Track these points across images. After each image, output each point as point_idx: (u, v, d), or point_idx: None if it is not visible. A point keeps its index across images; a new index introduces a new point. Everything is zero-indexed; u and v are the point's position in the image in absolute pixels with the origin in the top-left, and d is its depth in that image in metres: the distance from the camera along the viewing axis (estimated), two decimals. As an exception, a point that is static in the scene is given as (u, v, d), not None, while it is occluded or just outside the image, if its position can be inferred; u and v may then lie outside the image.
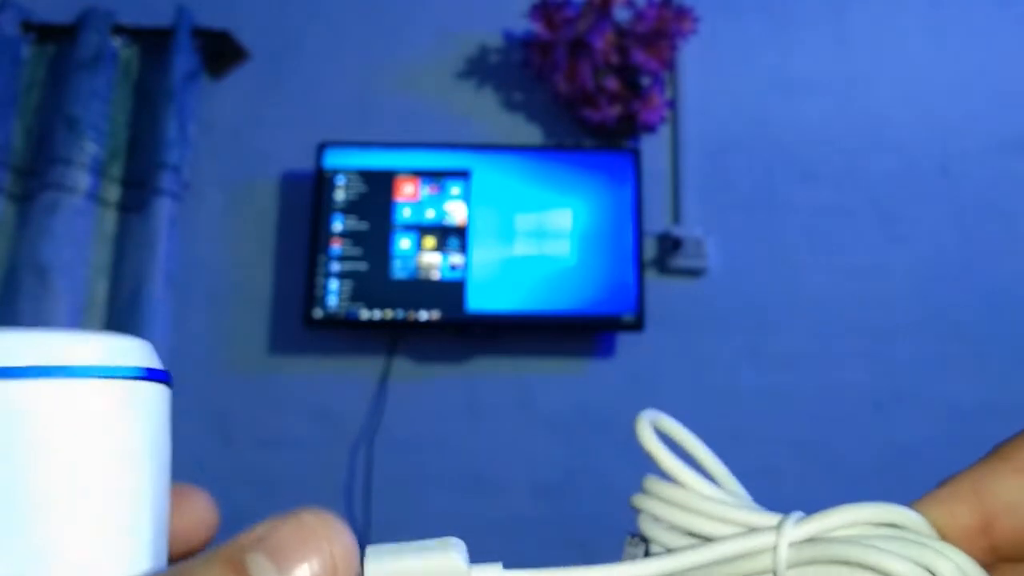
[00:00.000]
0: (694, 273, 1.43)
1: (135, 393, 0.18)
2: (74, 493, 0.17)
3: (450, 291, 1.34)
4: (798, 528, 0.21)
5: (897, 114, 1.52)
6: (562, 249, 1.36)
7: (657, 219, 1.44)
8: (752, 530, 0.22)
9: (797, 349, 1.41)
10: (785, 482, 1.31)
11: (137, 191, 1.40)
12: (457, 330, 1.38)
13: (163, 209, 1.36)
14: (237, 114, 1.51)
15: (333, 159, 1.38)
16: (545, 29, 1.41)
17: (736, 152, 1.49)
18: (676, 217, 1.46)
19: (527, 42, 1.46)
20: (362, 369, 1.40)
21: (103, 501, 0.17)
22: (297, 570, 0.18)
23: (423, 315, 1.33)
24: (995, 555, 0.21)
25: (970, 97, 1.53)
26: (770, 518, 0.22)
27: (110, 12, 1.44)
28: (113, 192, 1.41)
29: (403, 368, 1.40)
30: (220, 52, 1.49)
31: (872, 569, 0.20)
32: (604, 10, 1.40)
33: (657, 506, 0.23)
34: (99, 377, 0.18)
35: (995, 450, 0.21)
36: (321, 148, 1.39)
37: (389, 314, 1.34)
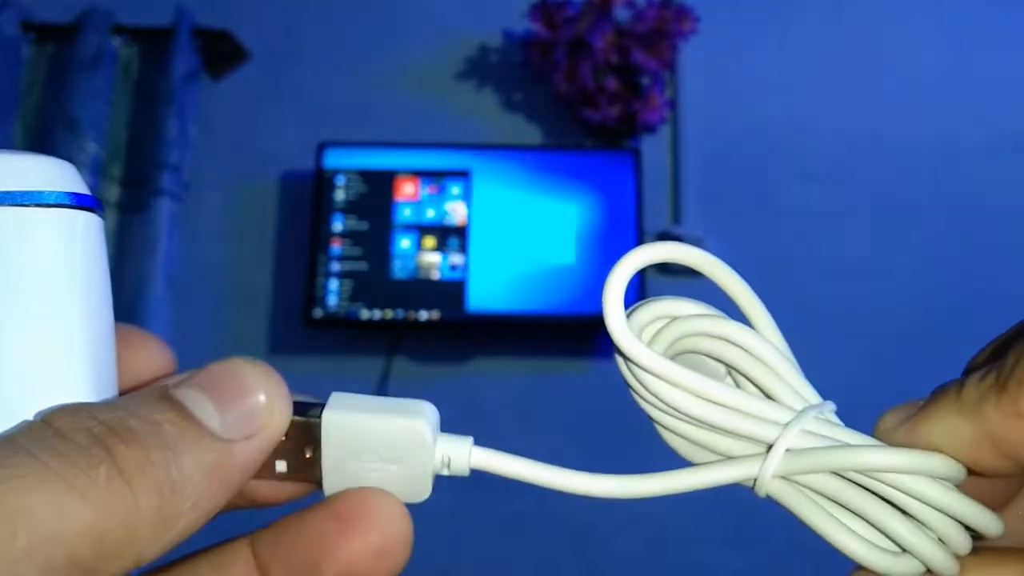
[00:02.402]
0: (694, 273, 1.43)
1: (54, 222, 0.17)
2: None
3: (450, 291, 1.34)
4: (793, 459, 0.19)
5: (897, 114, 1.52)
6: (562, 249, 1.36)
7: (657, 219, 1.44)
8: (731, 461, 0.20)
9: (797, 349, 1.40)
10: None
11: (137, 191, 1.40)
12: (457, 330, 1.38)
13: (163, 209, 1.36)
14: (237, 114, 1.51)
15: (333, 159, 1.38)
16: (545, 29, 1.41)
17: (736, 152, 1.49)
18: (676, 217, 1.46)
19: (527, 42, 1.46)
20: (362, 369, 1.40)
21: (30, 338, 0.16)
22: (232, 403, 0.17)
23: (423, 315, 1.33)
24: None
25: (970, 97, 1.53)
26: (769, 429, 0.19)
27: (110, 12, 1.44)
28: (113, 192, 1.41)
29: (403, 368, 1.40)
30: (220, 52, 1.49)
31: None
32: (604, 10, 1.40)
33: (642, 390, 0.20)
34: (11, 205, 0.16)
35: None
36: (321, 148, 1.39)
37: (389, 314, 1.34)
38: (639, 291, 1.33)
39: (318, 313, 1.33)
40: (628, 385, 0.21)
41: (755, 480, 0.19)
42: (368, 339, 1.41)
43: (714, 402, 0.20)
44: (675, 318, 0.21)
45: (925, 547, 0.18)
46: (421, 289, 1.34)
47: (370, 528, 0.19)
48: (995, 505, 0.20)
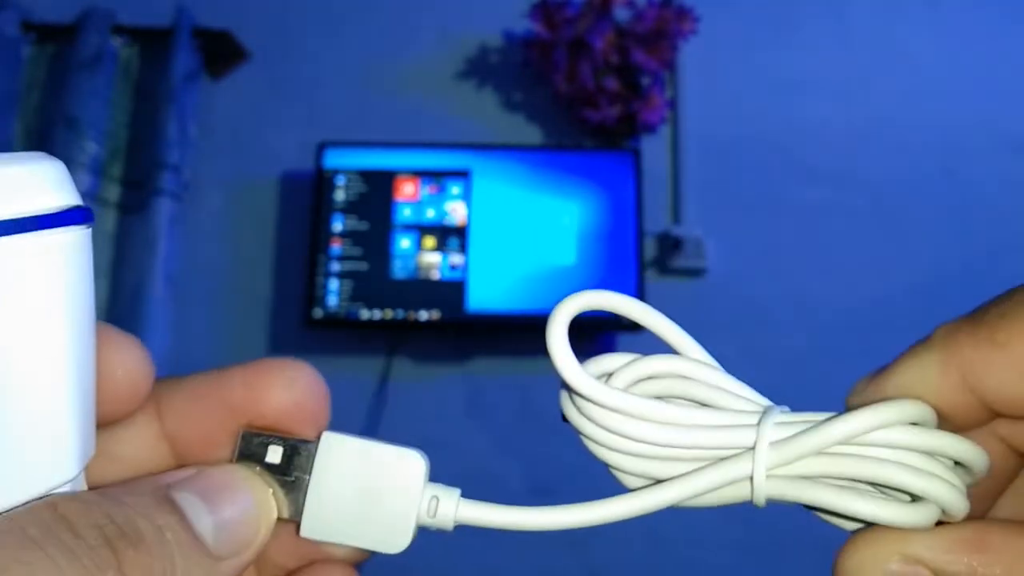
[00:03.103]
0: (694, 273, 1.43)
1: (42, 250, 0.15)
2: None
3: (450, 291, 1.34)
4: (779, 450, 0.19)
5: (898, 114, 1.52)
6: (562, 249, 1.36)
7: (657, 219, 1.44)
8: (722, 461, 0.20)
9: (797, 349, 1.41)
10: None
11: (137, 191, 1.40)
12: (457, 330, 1.38)
13: (163, 209, 1.36)
14: (237, 114, 1.51)
15: (333, 159, 1.38)
16: (545, 29, 1.41)
17: (736, 152, 1.49)
18: (676, 217, 1.46)
19: (527, 42, 1.46)
20: (362, 369, 1.40)
21: (13, 362, 0.15)
22: (227, 517, 0.18)
23: (423, 315, 1.33)
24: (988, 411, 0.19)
25: (971, 97, 1.53)
26: (743, 434, 0.19)
27: (110, 12, 1.44)
28: (113, 192, 1.41)
29: (403, 368, 1.40)
30: (220, 52, 1.49)
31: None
32: (604, 10, 1.40)
33: (594, 431, 0.20)
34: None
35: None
36: (321, 148, 1.39)
37: (389, 314, 1.34)
38: (639, 291, 1.33)
39: (318, 313, 1.33)
40: (584, 435, 0.21)
41: (751, 479, 0.19)
42: (368, 339, 1.41)
43: (681, 424, 0.20)
44: (609, 374, 0.21)
45: (931, 486, 0.18)
46: (421, 289, 1.34)
47: (279, 393, 0.21)
48: (995, 492, 0.20)
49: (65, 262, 0.16)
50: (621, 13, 1.42)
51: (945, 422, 0.19)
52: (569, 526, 0.20)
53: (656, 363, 0.21)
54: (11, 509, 0.15)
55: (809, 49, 1.55)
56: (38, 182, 0.15)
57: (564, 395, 0.21)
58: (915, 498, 0.19)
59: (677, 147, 1.49)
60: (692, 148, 1.49)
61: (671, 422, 0.20)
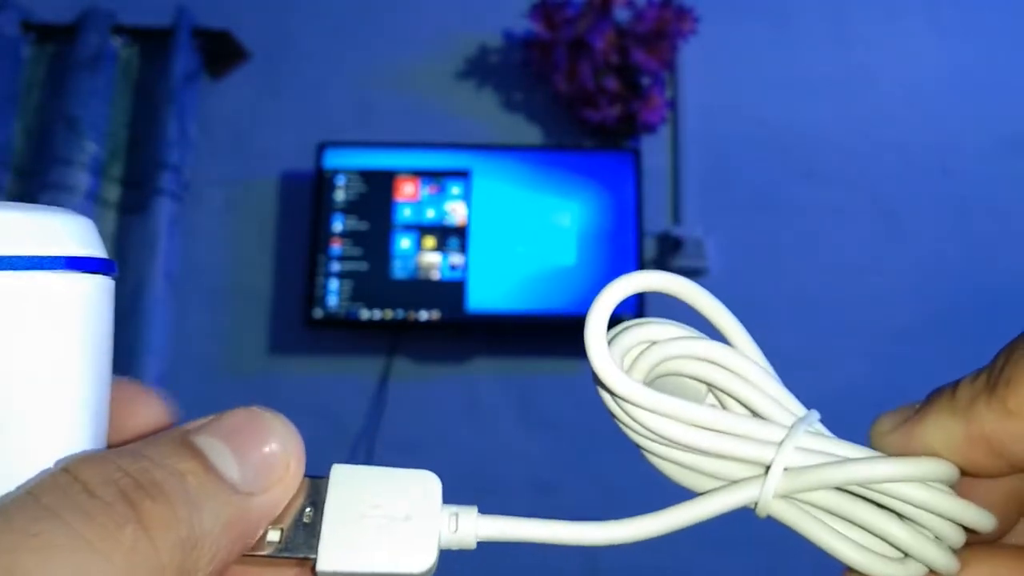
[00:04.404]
0: (694, 273, 1.43)
1: (54, 289, 0.17)
2: None
3: (450, 291, 1.34)
4: (792, 478, 0.19)
5: (897, 114, 1.52)
6: (562, 249, 1.36)
7: (657, 219, 1.44)
8: (730, 487, 0.20)
9: (797, 349, 1.41)
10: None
11: (137, 191, 1.40)
12: (457, 330, 1.38)
13: (163, 209, 1.36)
14: (237, 114, 1.51)
15: (333, 159, 1.38)
16: (545, 29, 1.41)
17: (736, 152, 1.49)
18: (676, 217, 1.46)
19: (527, 42, 1.46)
20: (362, 369, 1.40)
21: (31, 401, 0.16)
22: (252, 454, 0.17)
23: (423, 315, 1.33)
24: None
25: (970, 96, 1.53)
26: (765, 450, 0.19)
27: (110, 12, 1.44)
28: (113, 192, 1.41)
29: (403, 368, 1.40)
30: (220, 52, 1.49)
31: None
32: (604, 10, 1.40)
33: (630, 422, 0.20)
34: (12, 270, 0.16)
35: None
36: (321, 148, 1.39)
37: (389, 314, 1.34)
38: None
39: (318, 313, 1.33)
40: (614, 417, 0.21)
41: (756, 503, 0.20)
42: (368, 339, 1.41)
43: (703, 427, 0.20)
44: (654, 342, 0.21)
45: (926, 549, 0.19)
46: (421, 289, 1.34)
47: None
48: (995, 505, 0.20)
49: (88, 303, 0.17)
50: (621, 13, 1.42)
51: (969, 472, 0.19)
52: (587, 543, 0.20)
53: (709, 349, 0.20)
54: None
55: (809, 49, 1.55)
56: (70, 232, 0.17)
57: (601, 388, 0.21)
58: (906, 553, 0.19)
59: (677, 147, 1.49)
60: (692, 148, 1.49)
61: (700, 425, 0.20)
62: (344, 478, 0.19)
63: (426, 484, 0.20)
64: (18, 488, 0.15)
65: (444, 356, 1.42)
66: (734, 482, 0.20)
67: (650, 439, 0.20)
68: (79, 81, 1.38)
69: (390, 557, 0.19)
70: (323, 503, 0.19)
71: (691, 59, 1.50)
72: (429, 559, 0.19)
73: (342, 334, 1.42)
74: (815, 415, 0.20)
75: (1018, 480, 0.20)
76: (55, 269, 0.16)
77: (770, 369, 0.21)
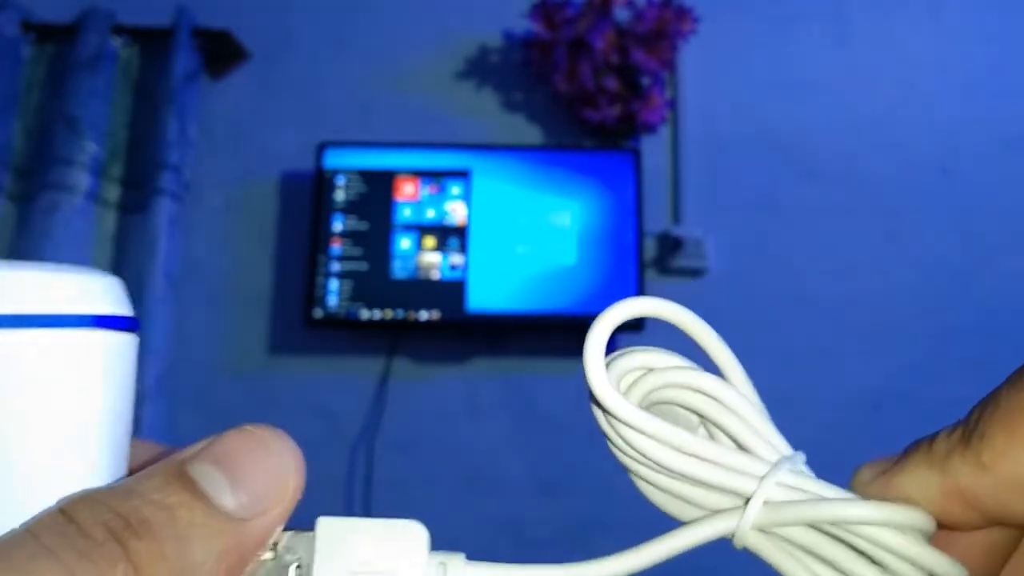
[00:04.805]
0: (694, 273, 1.43)
1: (80, 346, 0.17)
2: (9, 450, 0.16)
3: (450, 291, 1.34)
4: (771, 512, 0.20)
5: (897, 114, 1.52)
6: (562, 249, 1.36)
7: (657, 219, 1.44)
8: (708, 518, 0.20)
9: (797, 349, 1.41)
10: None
11: (137, 191, 1.40)
12: (457, 330, 1.38)
13: (163, 209, 1.36)
14: (237, 114, 1.51)
15: (333, 159, 1.38)
16: (545, 29, 1.41)
17: (736, 152, 1.49)
18: (676, 217, 1.46)
19: (527, 42, 1.46)
20: (362, 369, 1.40)
21: (44, 460, 0.17)
22: (247, 478, 0.17)
23: (423, 315, 1.33)
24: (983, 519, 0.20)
25: (970, 97, 1.53)
26: (747, 483, 0.20)
27: (110, 12, 1.44)
28: (113, 192, 1.41)
29: (403, 368, 1.40)
30: (220, 52, 1.49)
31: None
32: (604, 10, 1.40)
33: (618, 442, 0.21)
34: (40, 327, 0.17)
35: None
36: (321, 148, 1.39)
37: (389, 314, 1.34)
38: (639, 291, 1.33)
39: (318, 313, 1.33)
40: (606, 436, 0.21)
41: (734, 534, 0.20)
42: (368, 339, 1.41)
43: (690, 454, 0.20)
44: (651, 369, 0.21)
45: None
46: (421, 289, 1.34)
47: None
48: (974, 559, 0.20)
49: (114, 359, 0.18)
50: (621, 13, 1.42)
51: (946, 525, 0.20)
52: None
53: (704, 381, 0.21)
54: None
55: (809, 49, 1.55)
56: (98, 291, 0.18)
57: (594, 407, 0.21)
58: None
59: (677, 147, 1.49)
60: (692, 148, 1.49)
61: (688, 452, 0.20)
62: (330, 532, 0.19)
63: (413, 535, 0.20)
64: (16, 528, 0.15)
65: (444, 356, 1.42)
66: (714, 512, 0.20)
67: (638, 461, 0.21)
68: (79, 81, 1.38)
69: None
70: (311, 562, 0.19)
71: (691, 59, 1.50)
72: None
73: (342, 334, 1.42)
74: (801, 456, 0.21)
75: (996, 534, 0.20)
76: (83, 327, 0.17)
77: (762, 407, 0.22)
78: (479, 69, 1.53)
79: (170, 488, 0.16)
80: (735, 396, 0.21)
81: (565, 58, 1.40)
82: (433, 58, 1.53)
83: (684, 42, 1.45)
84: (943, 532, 0.20)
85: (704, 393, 0.21)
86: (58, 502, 0.16)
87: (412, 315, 1.33)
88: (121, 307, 0.18)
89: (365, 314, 1.34)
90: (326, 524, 0.19)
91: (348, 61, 1.52)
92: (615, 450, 0.21)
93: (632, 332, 1.33)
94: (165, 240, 1.36)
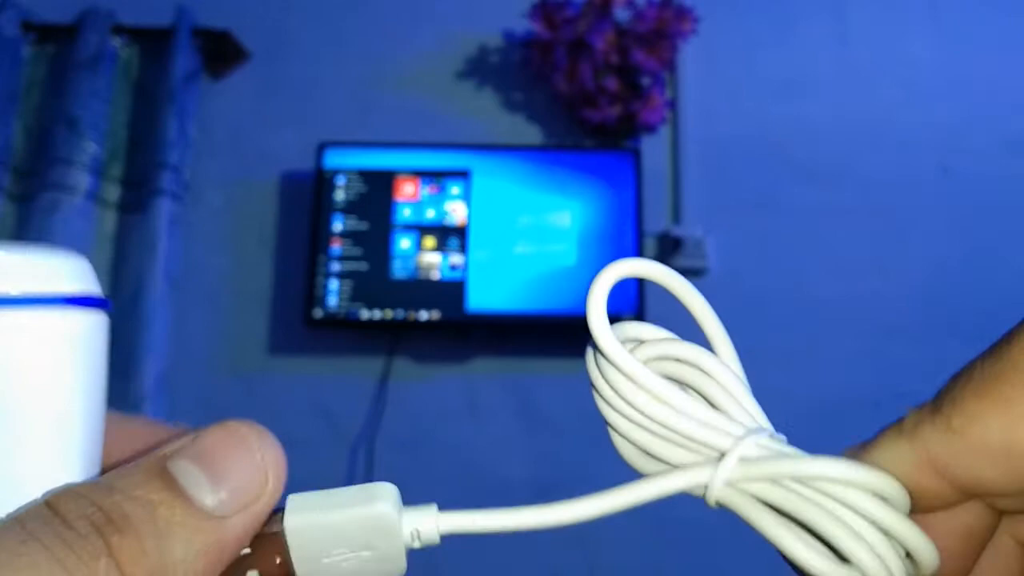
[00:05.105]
0: (694, 273, 1.43)
1: (51, 326, 0.17)
2: None
3: (450, 291, 1.34)
4: (744, 467, 0.20)
5: (897, 114, 1.52)
6: (562, 249, 1.36)
7: (657, 219, 1.44)
8: (683, 469, 0.20)
9: (797, 349, 1.41)
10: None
11: (137, 191, 1.40)
12: (457, 330, 1.38)
13: (163, 209, 1.36)
14: (237, 114, 1.51)
15: (333, 159, 1.38)
16: (545, 29, 1.41)
17: (736, 152, 1.49)
18: (676, 217, 1.46)
19: (527, 42, 1.46)
20: (362, 369, 1.40)
21: (26, 434, 0.17)
22: (227, 475, 0.17)
23: (423, 315, 1.33)
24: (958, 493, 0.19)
25: (970, 97, 1.53)
26: (724, 440, 0.20)
27: (110, 12, 1.44)
28: (113, 192, 1.41)
29: (403, 368, 1.40)
30: (220, 52, 1.49)
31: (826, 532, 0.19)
32: (604, 10, 1.40)
33: (604, 389, 0.21)
34: (9, 307, 0.17)
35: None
36: (321, 148, 1.39)
37: (389, 314, 1.34)
38: (639, 291, 1.33)
39: (318, 313, 1.33)
40: (593, 386, 0.22)
41: (707, 487, 0.20)
42: (368, 339, 1.41)
43: (672, 406, 0.20)
44: (642, 342, 0.22)
45: (864, 557, 0.18)
46: (421, 289, 1.34)
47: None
48: (951, 548, 0.20)
49: (85, 338, 0.18)
50: (621, 13, 1.42)
51: (920, 503, 0.19)
52: (544, 526, 0.21)
53: (688, 351, 0.22)
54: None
55: (809, 49, 1.55)
56: (67, 271, 0.18)
57: (589, 351, 0.22)
58: (844, 560, 0.19)
59: (677, 147, 1.49)
60: (692, 148, 1.49)
61: (669, 403, 0.21)
62: (300, 521, 0.19)
63: (381, 492, 0.20)
64: (6, 516, 0.16)
65: (444, 356, 1.42)
66: (689, 465, 0.20)
67: (619, 412, 0.21)
68: (79, 81, 1.38)
69: (362, 571, 0.19)
70: (287, 551, 0.19)
71: (691, 59, 1.50)
72: (400, 566, 0.20)
73: (342, 334, 1.42)
74: (782, 436, 0.21)
75: (971, 519, 0.20)
76: (53, 306, 0.17)
77: (746, 382, 0.22)
78: (479, 69, 1.53)
79: (151, 485, 0.16)
80: (717, 365, 0.21)
81: (565, 58, 1.40)
82: (433, 58, 1.53)
83: (684, 42, 1.45)
84: (917, 518, 0.19)
85: (689, 363, 0.21)
86: (43, 495, 0.16)
87: (412, 315, 1.33)
88: (90, 286, 0.18)
89: (365, 314, 1.34)
90: (294, 500, 0.19)
91: (348, 61, 1.52)
92: (599, 399, 0.22)
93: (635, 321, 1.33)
94: (165, 240, 1.36)
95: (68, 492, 0.16)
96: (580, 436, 1.36)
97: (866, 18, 1.57)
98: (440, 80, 1.52)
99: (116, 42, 1.45)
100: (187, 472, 0.17)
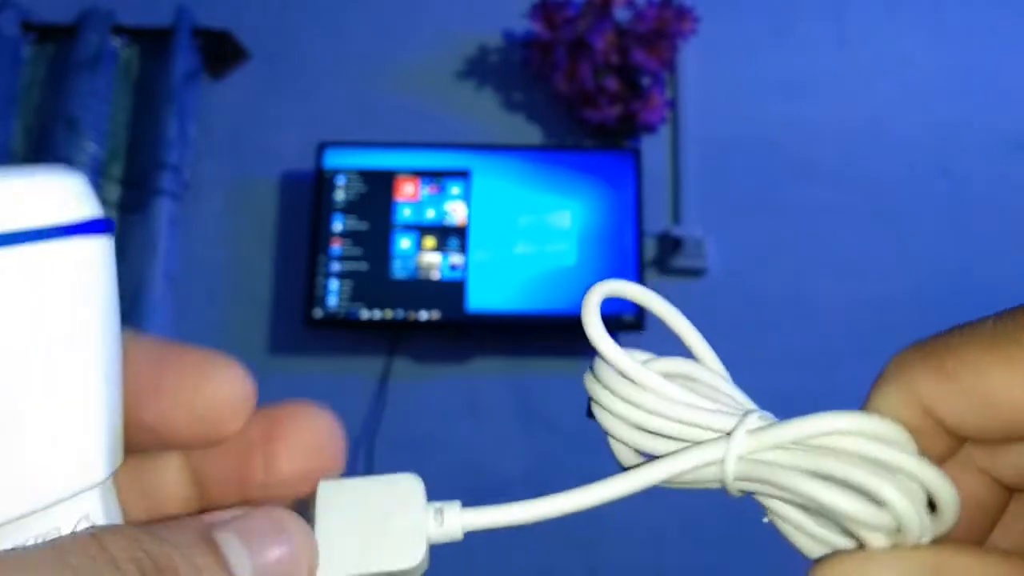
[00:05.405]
0: (694, 273, 1.43)
1: (53, 259, 0.16)
2: None
3: (450, 291, 1.34)
4: (754, 438, 0.20)
5: (897, 114, 1.52)
6: (562, 249, 1.36)
7: (657, 219, 1.44)
8: (697, 444, 0.21)
9: (797, 349, 1.41)
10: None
11: (137, 191, 1.40)
12: (457, 330, 1.38)
13: (163, 209, 1.36)
14: (237, 114, 1.51)
15: (333, 159, 1.38)
16: (545, 29, 1.41)
17: (736, 152, 1.49)
18: (676, 217, 1.46)
19: (527, 42, 1.46)
20: (362, 369, 1.40)
21: (40, 375, 0.16)
22: (267, 553, 0.18)
23: (423, 315, 1.33)
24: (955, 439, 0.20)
25: (970, 97, 1.53)
26: (726, 420, 0.21)
27: (110, 12, 1.44)
28: (113, 192, 1.41)
29: (403, 368, 1.40)
30: (220, 52, 1.49)
31: (849, 485, 0.19)
32: (604, 10, 1.40)
33: (604, 396, 0.22)
34: (8, 246, 0.15)
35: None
36: (321, 148, 1.39)
37: (389, 314, 1.34)
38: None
39: (318, 313, 1.33)
40: (592, 398, 0.22)
41: (722, 461, 0.20)
42: (368, 339, 1.41)
43: (674, 399, 0.21)
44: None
45: (891, 493, 0.18)
46: (421, 289, 1.34)
47: (297, 440, 0.21)
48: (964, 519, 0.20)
49: (88, 268, 0.17)
50: (621, 13, 1.42)
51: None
52: (566, 512, 0.21)
53: (669, 364, 0.22)
54: (54, 537, 0.16)
55: (809, 49, 1.55)
56: (61, 194, 0.16)
57: (587, 372, 0.23)
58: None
59: (677, 147, 1.49)
60: (692, 148, 1.49)
61: (668, 396, 0.21)
62: (330, 493, 0.20)
63: (408, 485, 0.21)
64: (43, 543, 0.15)
65: (444, 356, 1.42)
66: (700, 443, 0.21)
67: (619, 417, 0.21)
68: (79, 81, 1.38)
69: (382, 560, 0.20)
70: (313, 519, 0.20)
71: (691, 59, 1.50)
72: (419, 554, 0.20)
73: (342, 334, 1.42)
74: (770, 414, 0.21)
75: (983, 492, 0.20)
76: (54, 238, 0.16)
77: (726, 374, 0.23)
78: (479, 69, 1.53)
79: (198, 549, 0.17)
80: (699, 369, 0.22)
81: (565, 58, 1.40)
82: (433, 58, 1.53)
83: (684, 42, 1.45)
84: None
85: (672, 376, 0.22)
86: (88, 529, 0.16)
87: (412, 315, 1.33)
88: (90, 209, 0.17)
89: (365, 314, 1.34)
90: (326, 486, 0.20)
91: (348, 61, 1.52)
92: (597, 408, 0.22)
93: (634, 332, 1.33)
94: (165, 240, 1.36)
95: (117, 531, 0.16)
96: (580, 436, 1.36)
97: (866, 18, 1.57)
98: (440, 80, 1.52)
99: (116, 42, 1.45)
100: (232, 546, 0.17)
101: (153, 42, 1.46)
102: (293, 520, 0.19)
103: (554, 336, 1.40)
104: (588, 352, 0.22)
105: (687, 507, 1.26)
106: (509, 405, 1.40)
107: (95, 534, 0.16)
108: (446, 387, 1.41)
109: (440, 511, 0.21)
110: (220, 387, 0.20)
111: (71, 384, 0.16)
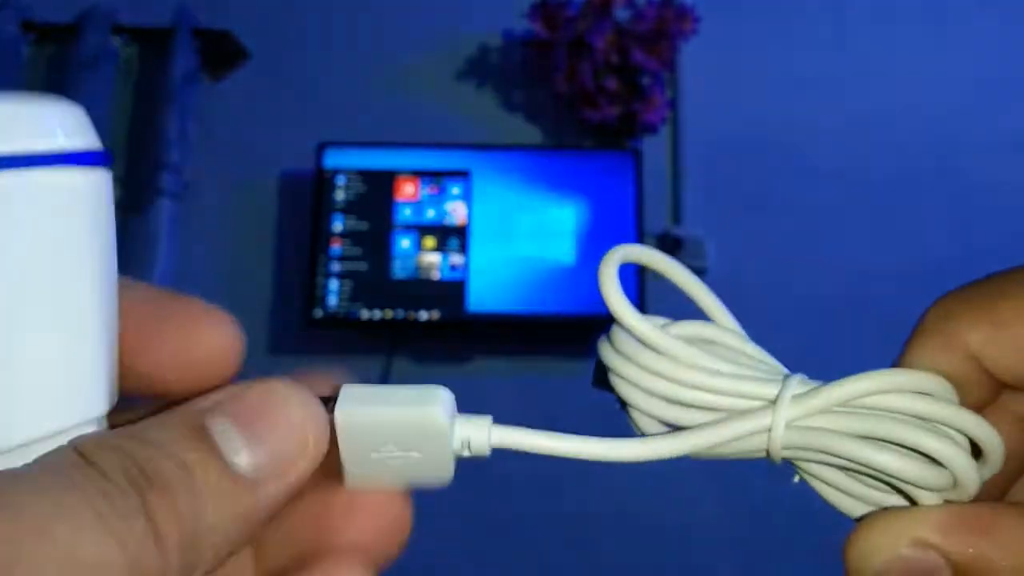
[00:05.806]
0: (694, 273, 1.43)
1: (49, 188, 0.15)
2: None
3: (450, 291, 1.34)
4: (799, 404, 0.19)
5: (897, 114, 1.52)
6: (562, 249, 1.36)
7: (657, 219, 1.44)
8: (742, 412, 0.20)
9: (797, 349, 1.40)
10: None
11: (137, 191, 1.40)
12: (457, 330, 1.38)
13: (163, 209, 1.36)
14: (237, 114, 1.51)
15: (333, 159, 1.38)
16: (545, 29, 1.41)
17: (736, 152, 1.49)
18: (676, 217, 1.46)
19: (527, 42, 1.46)
20: (362, 369, 1.40)
21: (33, 314, 0.15)
22: (266, 439, 0.16)
23: (423, 315, 1.33)
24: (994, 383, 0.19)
25: (969, 96, 1.53)
26: (766, 387, 0.20)
27: (110, 12, 1.44)
28: (113, 192, 1.41)
29: (403, 368, 1.40)
30: (220, 52, 1.49)
31: (902, 444, 0.18)
32: (604, 10, 1.40)
33: (626, 367, 0.21)
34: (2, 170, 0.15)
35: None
36: (321, 148, 1.39)
37: (389, 314, 1.34)
38: (639, 291, 1.33)
39: (318, 313, 1.33)
40: (615, 372, 0.21)
41: (769, 429, 0.19)
42: (368, 339, 1.41)
43: (709, 369, 0.20)
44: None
45: (947, 450, 0.18)
46: (421, 289, 1.34)
47: (368, 515, 0.20)
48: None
49: (85, 199, 0.16)
50: (621, 13, 1.42)
51: (960, 394, 0.19)
52: (596, 458, 0.21)
53: (688, 328, 0.21)
54: (34, 449, 0.15)
55: (809, 49, 1.55)
56: (59, 121, 0.16)
57: (602, 341, 0.22)
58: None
59: (677, 147, 1.49)
60: (692, 148, 1.49)
61: (701, 366, 0.20)
62: (351, 413, 0.19)
63: (436, 395, 0.20)
64: (34, 461, 0.15)
65: (444, 356, 1.42)
66: (745, 411, 0.20)
67: (646, 390, 0.20)
68: (79, 81, 1.38)
69: (408, 473, 0.20)
70: (335, 441, 0.19)
71: (691, 59, 1.50)
72: (447, 471, 0.20)
73: (342, 334, 1.42)
74: (802, 375, 0.21)
75: (1015, 436, 0.20)
76: (50, 165, 0.15)
77: (745, 336, 0.22)
78: (479, 69, 1.53)
79: (187, 443, 0.16)
80: (718, 331, 0.21)
81: (565, 58, 1.40)
82: (433, 58, 1.53)
83: (684, 42, 1.45)
84: None
85: (690, 340, 0.21)
86: (70, 442, 0.15)
87: (412, 315, 1.33)
88: (88, 139, 0.16)
89: (365, 314, 1.34)
90: (349, 390, 0.19)
91: (348, 61, 1.52)
92: (619, 382, 0.21)
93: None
94: (165, 240, 1.36)
95: (99, 441, 0.15)
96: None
97: (866, 18, 1.57)
98: (440, 80, 1.52)
99: (116, 42, 1.45)
100: (225, 432, 0.16)
101: (153, 42, 1.46)
102: (290, 392, 0.17)
103: (554, 336, 1.40)
104: (589, 352, 0.22)
105: (687, 507, 1.26)
106: (510, 405, 1.40)
107: (76, 446, 0.15)
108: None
109: (469, 426, 0.21)
110: (211, 337, 0.19)
111: (72, 315, 0.16)
